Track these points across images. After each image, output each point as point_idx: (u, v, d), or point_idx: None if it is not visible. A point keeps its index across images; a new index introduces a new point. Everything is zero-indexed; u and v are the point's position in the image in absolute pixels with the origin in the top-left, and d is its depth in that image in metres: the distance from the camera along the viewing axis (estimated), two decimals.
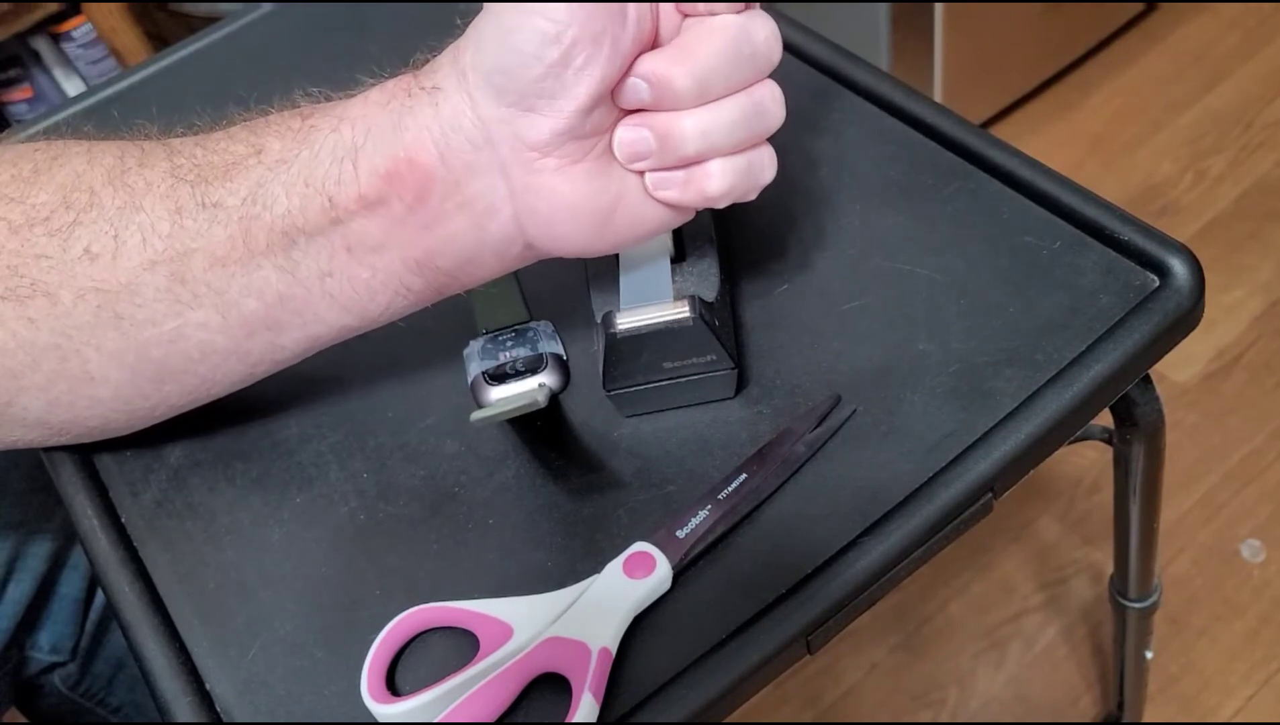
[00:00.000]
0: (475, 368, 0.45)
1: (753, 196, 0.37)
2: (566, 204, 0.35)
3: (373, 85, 0.36)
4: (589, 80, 0.32)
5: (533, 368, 0.44)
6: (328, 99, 0.37)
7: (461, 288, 0.39)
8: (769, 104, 0.35)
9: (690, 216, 0.38)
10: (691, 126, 0.34)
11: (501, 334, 0.46)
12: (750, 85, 0.35)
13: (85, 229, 0.37)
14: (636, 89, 0.34)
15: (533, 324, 0.46)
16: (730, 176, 0.36)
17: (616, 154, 0.35)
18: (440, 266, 0.37)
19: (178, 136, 0.39)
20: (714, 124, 0.34)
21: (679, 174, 0.36)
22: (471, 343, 0.46)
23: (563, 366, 0.45)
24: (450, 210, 0.35)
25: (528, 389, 0.43)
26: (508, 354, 0.45)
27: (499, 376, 0.44)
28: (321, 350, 0.41)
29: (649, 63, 0.34)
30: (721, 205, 0.37)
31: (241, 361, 0.39)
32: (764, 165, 0.37)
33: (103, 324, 0.37)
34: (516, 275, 0.48)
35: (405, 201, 0.35)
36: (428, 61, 0.36)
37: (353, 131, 0.35)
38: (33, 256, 0.37)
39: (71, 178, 0.37)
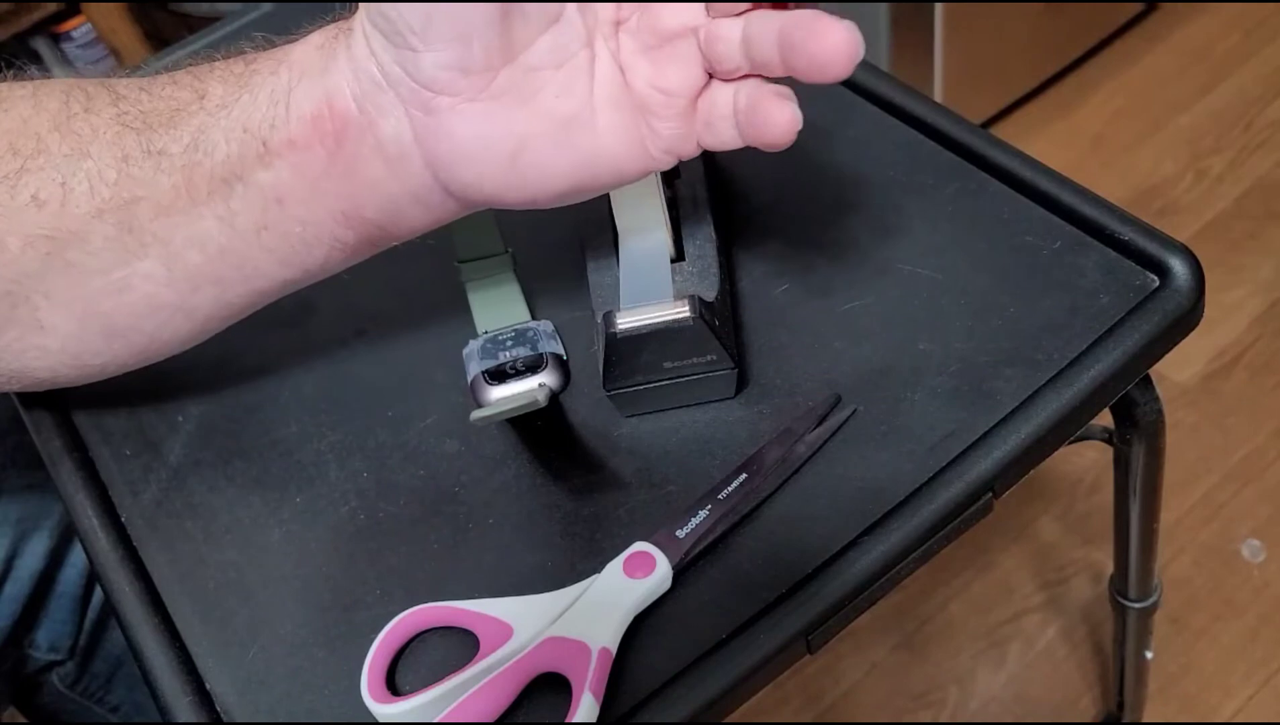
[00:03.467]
0: (475, 367, 0.45)
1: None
2: (465, 146, 0.34)
3: (316, 29, 0.36)
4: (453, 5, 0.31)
5: (533, 368, 0.44)
6: (272, 45, 0.37)
7: (395, 240, 0.38)
8: None
9: (595, 173, 0.35)
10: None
11: (501, 334, 0.46)
12: None
13: (32, 176, 0.36)
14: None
15: (533, 324, 0.46)
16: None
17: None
18: (368, 217, 0.36)
19: (122, 78, 0.38)
20: None
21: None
22: (471, 343, 0.46)
23: (563, 366, 0.45)
24: (366, 155, 0.35)
25: (528, 389, 0.43)
26: (508, 354, 0.45)
27: (499, 376, 0.44)
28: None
29: None
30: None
31: (189, 318, 0.39)
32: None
33: (53, 271, 0.37)
34: (517, 274, 0.48)
35: (327, 147, 0.34)
36: None
37: (289, 74, 0.35)
38: None
39: (17, 123, 0.37)
